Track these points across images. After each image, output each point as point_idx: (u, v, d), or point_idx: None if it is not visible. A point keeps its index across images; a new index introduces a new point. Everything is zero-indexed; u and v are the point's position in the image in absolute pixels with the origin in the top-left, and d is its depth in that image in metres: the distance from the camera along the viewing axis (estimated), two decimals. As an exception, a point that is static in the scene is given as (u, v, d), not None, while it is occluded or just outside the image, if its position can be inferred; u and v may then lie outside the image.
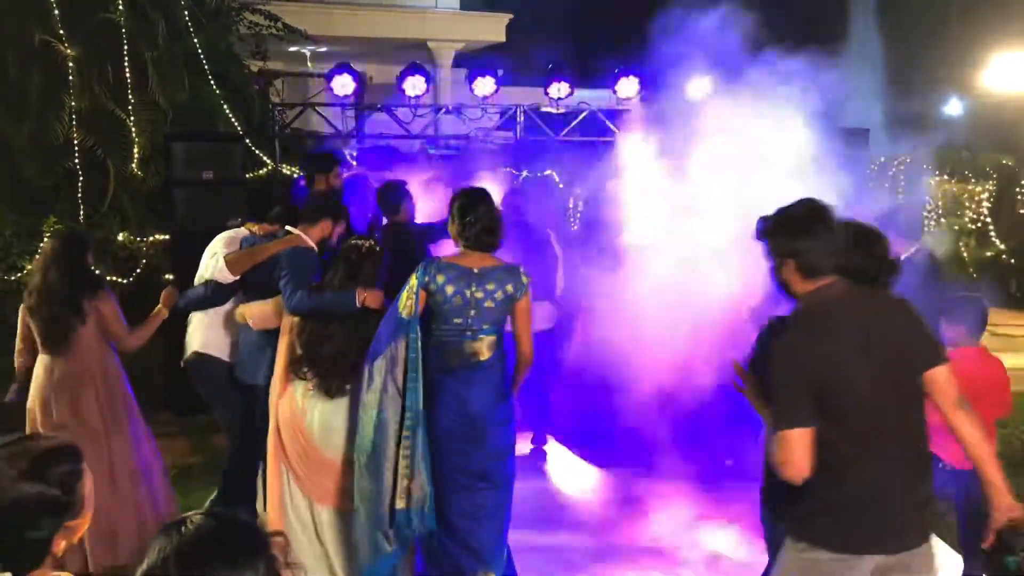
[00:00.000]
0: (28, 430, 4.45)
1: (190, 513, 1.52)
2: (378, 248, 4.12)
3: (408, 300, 3.86)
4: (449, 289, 3.85)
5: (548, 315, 5.99)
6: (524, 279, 3.94)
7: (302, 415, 3.99)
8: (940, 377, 2.73)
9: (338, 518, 4.00)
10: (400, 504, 3.79)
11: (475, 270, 3.88)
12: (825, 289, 2.72)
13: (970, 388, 4.23)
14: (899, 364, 2.70)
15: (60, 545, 1.90)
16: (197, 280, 4.76)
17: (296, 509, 4.04)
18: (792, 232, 2.75)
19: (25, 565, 1.84)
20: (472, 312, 3.87)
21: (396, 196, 5.58)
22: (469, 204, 3.95)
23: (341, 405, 3.97)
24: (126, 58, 7.80)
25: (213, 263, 4.62)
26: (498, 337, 3.97)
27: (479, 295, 3.86)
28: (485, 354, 3.92)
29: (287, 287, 4.07)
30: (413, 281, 3.87)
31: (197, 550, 1.46)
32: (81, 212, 7.64)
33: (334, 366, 3.95)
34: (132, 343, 4.57)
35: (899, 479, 2.71)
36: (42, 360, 4.47)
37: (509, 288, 3.90)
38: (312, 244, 4.42)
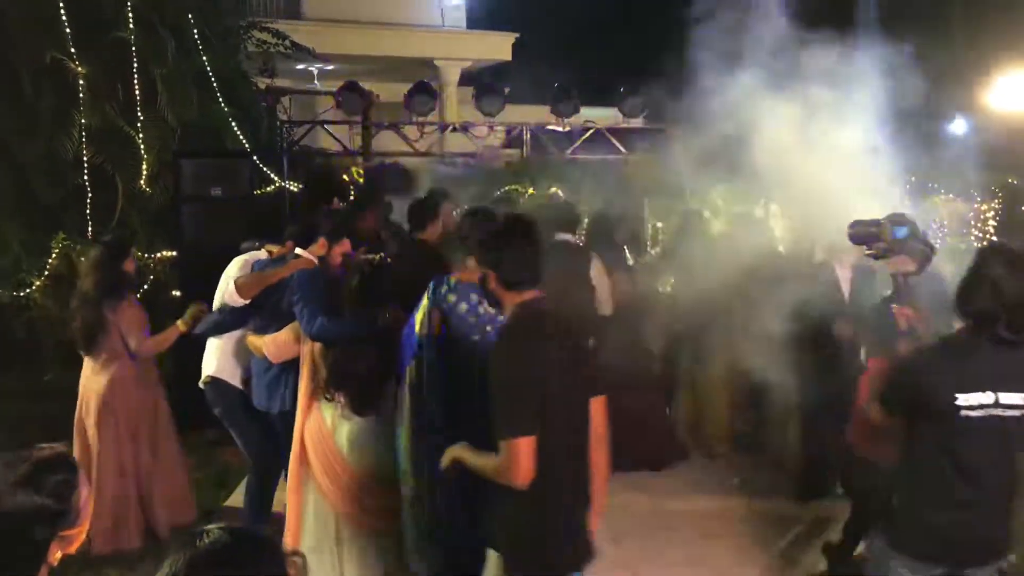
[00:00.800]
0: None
1: (209, 526, 1.53)
2: (388, 261, 4.13)
3: (423, 320, 3.83)
4: (462, 308, 3.82)
5: None
6: None
7: (331, 433, 3.95)
8: (598, 407, 2.93)
9: (362, 537, 3.96)
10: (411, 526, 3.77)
11: None
12: (532, 302, 2.81)
13: None
14: (583, 385, 2.85)
15: (55, 555, 1.91)
16: (215, 305, 4.78)
17: (320, 525, 3.99)
18: (492, 245, 2.86)
19: (20, 575, 1.85)
20: (488, 328, 3.80)
21: (426, 211, 5.57)
22: (473, 217, 4.01)
23: (371, 422, 3.95)
24: (136, 76, 7.87)
25: (224, 287, 4.63)
26: None
27: (492, 309, 3.77)
28: None
29: (303, 313, 4.03)
30: (425, 301, 3.85)
31: (209, 563, 1.47)
32: (90, 228, 7.68)
33: (364, 385, 3.92)
34: (144, 351, 4.84)
35: (585, 495, 2.89)
36: (85, 360, 4.91)
37: None
38: (313, 263, 4.41)
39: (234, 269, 4.76)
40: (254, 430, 4.74)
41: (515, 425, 2.65)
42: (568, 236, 5.96)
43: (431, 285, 3.89)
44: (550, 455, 2.68)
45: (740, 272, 5.48)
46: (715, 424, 6.52)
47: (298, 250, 4.48)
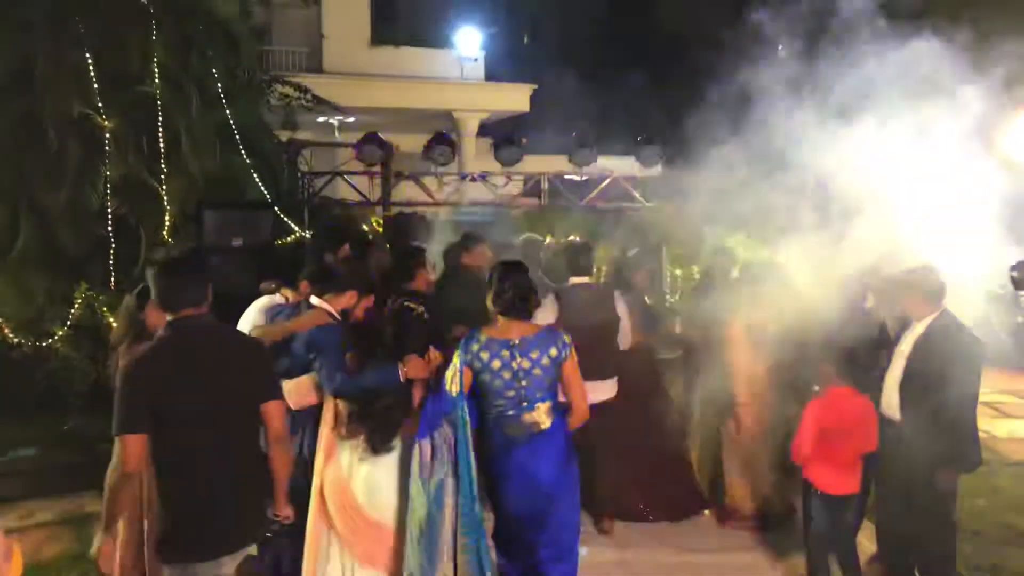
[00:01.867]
0: None
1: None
2: (425, 317, 4.14)
3: (454, 378, 3.89)
4: (495, 365, 3.89)
5: (609, 387, 5.80)
6: (566, 338, 4.00)
7: (348, 478, 3.97)
8: (271, 410, 3.44)
9: None
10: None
11: (515, 341, 3.93)
12: (182, 319, 3.33)
13: (840, 424, 4.42)
14: (236, 393, 3.35)
15: None
16: None
17: (334, 571, 3.98)
18: (157, 273, 3.45)
19: None
20: (523, 383, 3.89)
21: (411, 263, 5.65)
22: (504, 273, 4.04)
23: (385, 465, 3.96)
24: (160, 129, 8.01)
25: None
26: (553, 402, 3.99)
27: (526, 364, 3.90)
28: (545, 422, 3.94)
29: (323, 369, 4.07)
30: (456, 360, 3.91)
31: None
32: (113, 279, 7.75)
33: (383, 421, 3.94)
34: None
35: (239, 488, 3.34)
36: None
37: (553, 352, 3.94)
38: (335, 314, 4.42)
39: (252, 313, 4.78)
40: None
41: (122, 423, 3.18)
42: (584, 279, 5.93)
43: (462, 342, 3.97)
44: (184, 451, 3.24)
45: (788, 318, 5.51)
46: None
47: (313, 299, 4.48)
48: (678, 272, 9.67)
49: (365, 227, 9.76)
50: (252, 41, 9.94)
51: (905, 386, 4.59)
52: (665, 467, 6.22)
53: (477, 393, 3.96)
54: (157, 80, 8.03)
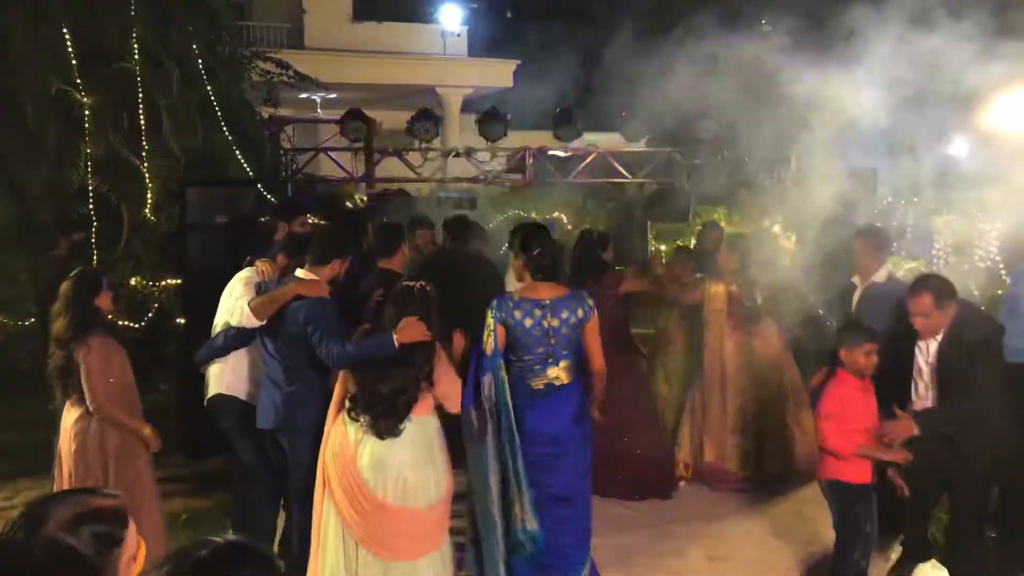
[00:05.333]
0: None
1: (210, 537, 1.57)
2: (429, 289, 4.12)
3: (488, 338, 4.16)
4: (528, 322, 4.15)
5: None
6: (589, 301, 4.28)
7: (353, 449, 3.90)
8: None
9: (378, 564, 3.88)
10: (517, 525, 4.04)
11: (546, 301, 4.19)
12: None
13: (845, 406, 4.15)
14: None
15: None
16: (218, 324, 4.78)
17: (341, 552, 3.92)
18: None
19: None
20: (552, 340, 4.18)
21: (394, 239, 5.67)
22: (531, 236, 4.27)
23: (394, 443, 3.90)
24: (141, 106, 7.93)
25: (238, 309, 4.55)
26: (574, 360, 4.27)
27: (555, 323, 4.17)
28: (565, 378, 4.23)
29: (321, 343, 4.10)
30: (489, 319, 4.16)
31: (198, 567, 1.55)
32: (95, 257, 7.70)
33: (389, 408, 3.89)
34: (100, 411, 4.22)
35: None
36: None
37: (580, 312, 4.22)
38: (325, 288, 4.42)
39: (239, 286, 4.76)
40: (252, 446, 4.75)
41: None
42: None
43: (494, 303, 4.21)
44: None
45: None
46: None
47: (299, 272, 4.47)
48: (662, 248, 9.69)
49: (348, 204, 9.73)
50: (233, 16, 9.84)
51: (937, 375, 4.28)
52: (651, 445, 6.19)
53: (505, 348, 4.21)
54: (136, 56, 7.94)
